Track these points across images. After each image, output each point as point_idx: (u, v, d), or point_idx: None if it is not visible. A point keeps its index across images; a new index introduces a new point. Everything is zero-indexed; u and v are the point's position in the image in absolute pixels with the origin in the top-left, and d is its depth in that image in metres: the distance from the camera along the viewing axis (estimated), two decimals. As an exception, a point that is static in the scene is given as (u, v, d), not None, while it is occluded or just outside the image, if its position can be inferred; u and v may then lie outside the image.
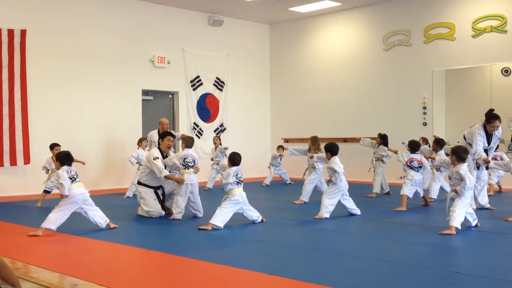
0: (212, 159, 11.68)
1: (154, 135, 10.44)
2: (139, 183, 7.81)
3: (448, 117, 12.51)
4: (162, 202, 7.78)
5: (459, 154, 6.39)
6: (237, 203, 6.69)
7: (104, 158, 11.87)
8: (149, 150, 8.64)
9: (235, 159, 6.88)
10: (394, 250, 5.33)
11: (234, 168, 6.78)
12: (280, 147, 12.67)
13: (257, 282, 4.22)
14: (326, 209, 7.33)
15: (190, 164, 7.43)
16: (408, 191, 8.14)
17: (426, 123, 12.21)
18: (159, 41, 12.87)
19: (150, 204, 7.60)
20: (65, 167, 6.41)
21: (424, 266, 4.60)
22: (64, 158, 6.52)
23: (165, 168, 7.56)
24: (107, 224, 6.64)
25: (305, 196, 9.05)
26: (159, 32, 12.86)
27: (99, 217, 6.60)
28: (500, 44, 11.15)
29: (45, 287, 4.05)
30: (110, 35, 12.02)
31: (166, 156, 7.83)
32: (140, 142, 10.31)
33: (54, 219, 6.26)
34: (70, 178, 6.34)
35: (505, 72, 11.33)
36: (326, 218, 7.28)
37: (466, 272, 4.41)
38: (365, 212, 7.79)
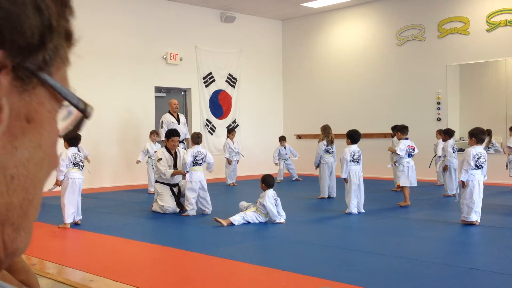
0: (229, 162, 11.75)
1: (166, 117, 10.79)
2: (156, 181, 7.98)
3: (463, 112, 12.39)
4: (177, 199, 7.86)
5: (477, 135, 6.38)
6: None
7: (117, 155, 11.93)
8: (165, 132, 8.62)
9: (268, 181, 6.81)
10: (407, 246, 5.30)
11: (269, 192, 6.73)
12: (282, 139, 12.55)
13: (270, 278, 4.23)
14: (351, 205, 7.35)
15: (199, 162, 7.50)
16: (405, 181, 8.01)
17: (440, 119, 12.11)
18: (172, 38, 12.90)
19: (165, 200, 7.71)
20: (70, 151, 6.52)
21: (439, 262, 4.57)
22: (69, 138, 6.59)
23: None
24: (79, 219, 6.67)
25: (323, 192, 9.05)
26: (171, 29, 12.88)
27: (80, 210, 6.68)
28: (515, 38, 11.02)
29: (61, 283, 4.09)
30: (122, 33, 12.06)
31: (176, 154, 7.92)
32: (150, 135, 10.49)
33: (69, 211, 6.39)
34: (73, 164, 6.49)
35: (521, 66, 11.19)
36: (354, 213, 7.29)
37: (481, 269, 4.37)
38: (378, 208, 7.76)
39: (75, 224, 6.57)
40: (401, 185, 8.02)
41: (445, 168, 9.07)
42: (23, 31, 0.44)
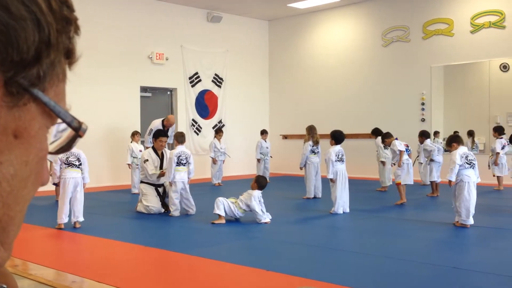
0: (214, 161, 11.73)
1: (158, 125, 10.74)
2: (141, 181, 7.95)
3: (447, 113, 12.51)
4: (162, 200, 7.83)
5: (455, 138, 6.64)
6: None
7: (102, 156, 11.86)
8: (153, 132, 8.72)
9: (261, 182, 6.84)
10: (392, 246, 5.34)
11: (256, 193, 6.74)
12: (264, 132, 12.45)
13: (255, 278, 4.23)
14: (337, 204, 7.39)
15: (183, 162, 7.49)
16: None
17: (424, 119, 12.21)
18: (158, 37, 12.85)
19: (150, 200, 7.68)
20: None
21: (422, 262, 4.61)
22: None
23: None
24: (75, 222, 6.45)
25: (309, 192, 9.07)
26: (157, 28, 12.84)
27: (78, 211, 6.46)
28: (498, 40, 11.14)
29: (44, 284, 4.06)
30: (108, 32, 11.99)
31: (162, 154, 7.91)
32: (132, 135, 10.46)
33: (61, 211, 6.32)
34: (66, 163, 6.41)
35: (504, 67, 11.32)
36: (339, 213, 7.33)
37: (464, 268, 4.42)
38: (362, 208, 7.80)
39: (74, 228, 6.38)
40: (402, 183, 8.10)
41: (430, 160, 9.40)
42: (19, 46, 0.43)
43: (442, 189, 9.14)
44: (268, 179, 12.00)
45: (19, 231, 0.50)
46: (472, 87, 12.20)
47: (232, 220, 6.74)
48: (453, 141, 6.57)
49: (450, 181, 6.28)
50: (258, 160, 12.21)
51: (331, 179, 7.50)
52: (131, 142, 10.40)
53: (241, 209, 6.71)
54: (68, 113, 0.49)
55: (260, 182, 6.80)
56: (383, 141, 8.87)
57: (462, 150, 6.40)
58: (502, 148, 9.66)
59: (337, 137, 7.76)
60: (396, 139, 8.57)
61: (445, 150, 9.84)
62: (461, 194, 6.22)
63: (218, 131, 12.07)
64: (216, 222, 6.60)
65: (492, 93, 11.47)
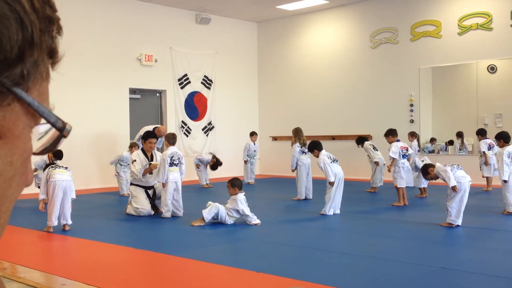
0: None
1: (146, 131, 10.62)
2: (131, 183, 7.92)
3: (435, 114, 12.59)
4: (152, 202, 7.80)
5: (428, 166, 6.71)
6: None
7: (91, 158, 11.80)
8: (143, 133, 8.64)
9: (239, 184, 6.79)
10: (381, 247, 5.36)
11: (240, 196, 6.69)
12: (254, 134, 12.46)
13: (244, 279, 4.23)
14: (329, 205, 7.40)
15: (175, 163, 7.48)
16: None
17: (413, 120, 12.27)
18: (147, 39, 12.81)
19: (140, 202, 7.65)
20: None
21: (411, 262, 4.64)
22: None
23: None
24: (64, 224, 6.42)
25: (299, 194, 9.08)
26: (146, 30, 12.80)
27: (68, 214, 6.42)
28: (485, 42, 11.23)
29: (32, 287, 4.03)
30: (97, 33, 11.94)
31: (152, 156, 7.87)
32: (130, 147, 10.22)
33: (51, 214, 6.26)
34: (52, 167, 6.38)
35: (491, 69, 11.42)
36: (329, 214, 7.34)
37: (452, 268, 4.45)
38: (352, 209, 7.82)
39: (62, 230, 6.32)
40: (398, 186, 8.15)
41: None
42: (2, 45, 0.43)
43: (431, 190, 9.20)
44: (253, 181, 12.14)
45: (4, 231, 0.50)
46: (460, 88, 12.29)
47: (221, 223, 6.73)
48: (427, 167, 6.67)
49: (454, 187, 6.25)
50: (245, 162, 12.21)
51: (330, 182, 7.47)
52: (127, 151, 10.18)
53: (232, 217, 6.69)
54: (52, 113, 0.49)
55: (237, 185, 6.75)
56: (386, 136, 8.79)
57: (439, 164, 6.58)
58: (490, 148, 9.72)
59: (318, 146, 7.78)
60: (398, 140, 8.51)
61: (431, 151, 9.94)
62: (457, 195, 6.27)
63: (213, 158, 11.49)
64: (195, 224, 6.55)
65: (480, 95, 11.56)
